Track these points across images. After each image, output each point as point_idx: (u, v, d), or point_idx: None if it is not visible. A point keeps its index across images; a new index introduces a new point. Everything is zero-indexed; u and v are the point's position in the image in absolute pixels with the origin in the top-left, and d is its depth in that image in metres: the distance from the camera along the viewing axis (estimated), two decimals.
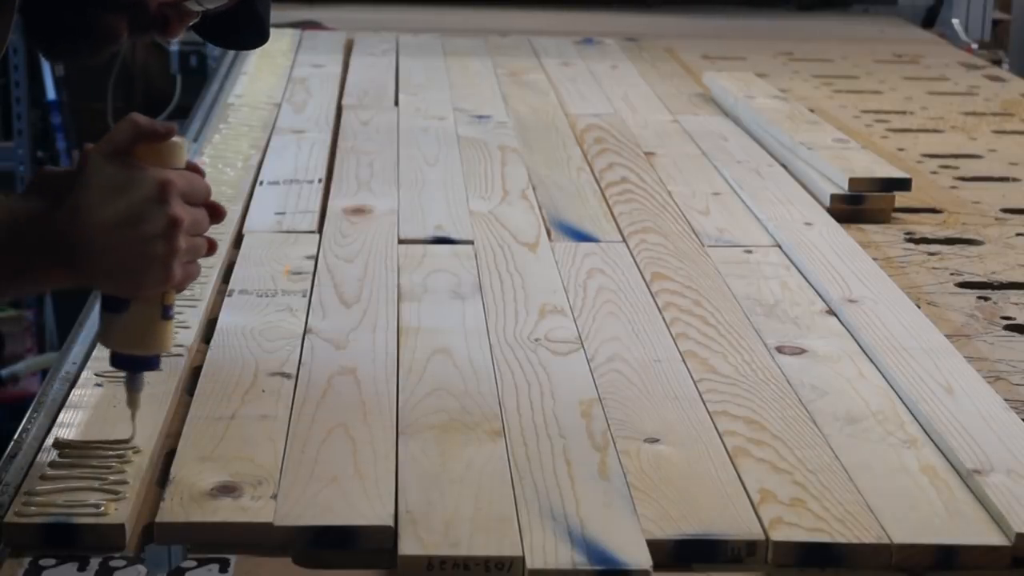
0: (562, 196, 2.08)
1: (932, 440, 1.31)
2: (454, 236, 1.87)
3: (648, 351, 1.51)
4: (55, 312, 4.33)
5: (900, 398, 1.40)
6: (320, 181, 2.11)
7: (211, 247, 1.24)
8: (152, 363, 1.26)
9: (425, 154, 2.29)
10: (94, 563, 1.09)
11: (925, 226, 2.04)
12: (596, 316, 1.60)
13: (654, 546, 1.11)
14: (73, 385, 1.38)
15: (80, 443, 1.24)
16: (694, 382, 1.43)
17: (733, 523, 1.15)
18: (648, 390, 1.41)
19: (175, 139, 1.21)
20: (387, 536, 1.12)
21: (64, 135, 4.50)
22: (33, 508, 1.14)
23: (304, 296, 1.63)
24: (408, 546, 1.10)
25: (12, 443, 1.28)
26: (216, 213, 1.24)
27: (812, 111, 2.57)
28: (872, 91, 3.01)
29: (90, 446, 1.24)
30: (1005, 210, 2.13)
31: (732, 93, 2.66)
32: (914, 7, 4.12)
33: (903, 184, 2.09)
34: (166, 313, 1.24)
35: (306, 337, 1.51)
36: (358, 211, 1.96)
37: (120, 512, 1.13)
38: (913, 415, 1.36)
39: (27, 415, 1.36)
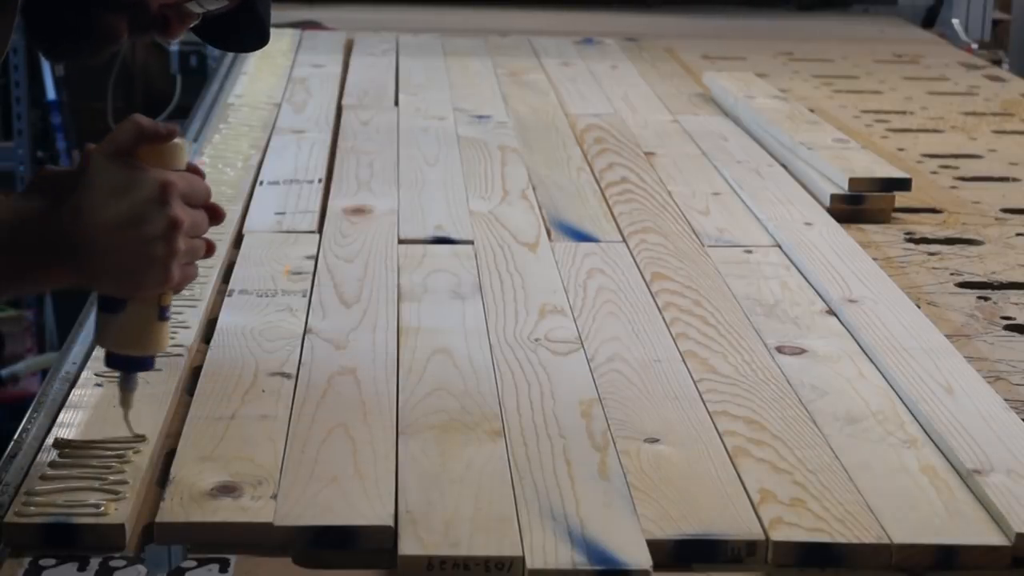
0: (562, 196, 2.08)
1: (932, 440, 1.31)
2: (454, 236, 1.87)
3: (648, 351, 1.51)
4: (55, 312, 4.33)
5: (900, 398, 1.40)
6: (320, 181, 2.11)
7: (209, 249, 1.25)
8: (147, 363, 1.26)
9: (425, 154, 2.29)
10: (94, 563, 1.09)
11: (925, 226, 2.04)
12: (596, 316, 1.60)
13: (654, 546, 1.11)
14: (73, 385, 1.38)
15: (81, 442, 1.24)
16: (694, 382, 1.43)
17: (733, 523, 1.15)
18: (648, 390, 1.41)
19: (176, 140, 1.21)
20: (387, 536, 1.12)
21: (64, 135, 4.50)
22: (33, 508, 1.14)
23: (304, 296, 1.63)
24: (408, 546, 1.10)
25: (12, 443, 1.28)
26: (216, 215, 1.24)
27: (812, 111, 2.57)
28: (872, 91, 3.01)
29: (90, 445, 1.24)
30: (1005, 210, 2.13)
31: (732, 93, 2.66)
32: (914, 7, 4.12)
33: (903, 184, 2.09)
34: (163, 314, 1.24)
35: (306, 337, 1.51)
36: (358, 211, 1.97)
37: (120, 512, 1.13)
38: (913, 415, 1.36)
39: (27, 415, 1.36)
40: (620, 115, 2.61)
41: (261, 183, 2.09)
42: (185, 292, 1.59)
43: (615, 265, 1.78)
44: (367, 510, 1.15)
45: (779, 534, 1.14)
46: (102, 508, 1.13)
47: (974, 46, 3.84)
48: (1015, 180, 2.32)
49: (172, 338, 1.46)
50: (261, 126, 2.44)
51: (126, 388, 1.26)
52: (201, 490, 1.17)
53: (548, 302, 1.64)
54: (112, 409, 1.30)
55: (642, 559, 1.09)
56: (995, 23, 4.10)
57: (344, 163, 2.22)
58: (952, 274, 1.83)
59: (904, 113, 2.79)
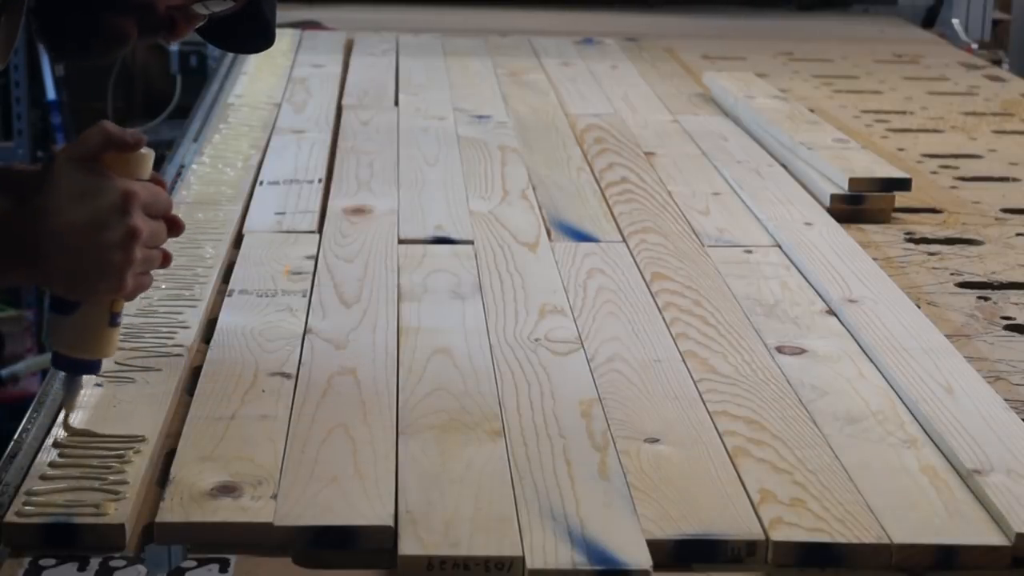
0: (562, 196, 2.08)
1: (932, 440, 1.31)
2: (454, 236, 1.87)
3: (648, 351, 1.51)
4: None
5: (900, 398, 1.40)
6: (320, 181, 2.11)
7: (165, 259, 1.27)
8: (93, 367, 1.28)
9: (425, 154, 2.29)
10: (94, 563, 1.09)
11: (925, 226, 2.04)
12: (596, 316, 1.60)
13: (654, 546, 1.11)
14: None
15: (80, 442, 1.24)
16: (694, 382, 1.43)
17: (733, 523, 1.15)
18: (648, 390, 1.41)
19: (143, 150, 1.23)
20: (387, 536, 1.12)
21: (64, 135, 4.50)
22: (33, 508, 1.14)
23: (304, 296, 1.63)
24: (408, 546, 1.10)
25: (12, 443, 1.29)
26: (175, 227, 1.27)
27: (812, 111, 2.57)
28: (872, 91, 3.01)
29: (90, 445, 1.24)
30: (1005, 210, 2.13)
31: (732, 93, 2.66)
32: (914, 7, 4.12)
33: (903, 184, 2.09)
34: (113, 320, 1.26)
35: (306, 337, 1.51)
36: (358, 211, 1.96)
37: (120, 512, 1.13)
38: (913, 415, 1.36)
39: (27, 415, 1.36)
40: (620, 115, 2.61)
41: (261, 183, 2.09)
42: (185, 292, 1.60)
43: (615, 265, 1.78)
44: (367, 510, 1.15)
45: (779, 534, 1.14)
46: (102, 508, 1.13)
47: (974, 46, 3.84)
48: (1015, 180, 2.32)
49: (172, 338, 1.47)
50: (261, 126, 2.44)
51: (70, 390, 1.28)
52: (201, 490, 1.17)
53: (548, 302, 1.64)
54: (112, 409, 1.30)
55: (642, 559, 1.09)
56: (995, 23, 4.10)
57: (344, 163, 2.22)
58: (952, 274, 1.83)
59: (904, 113, 2.79)
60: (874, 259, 1.81)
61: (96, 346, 1.26)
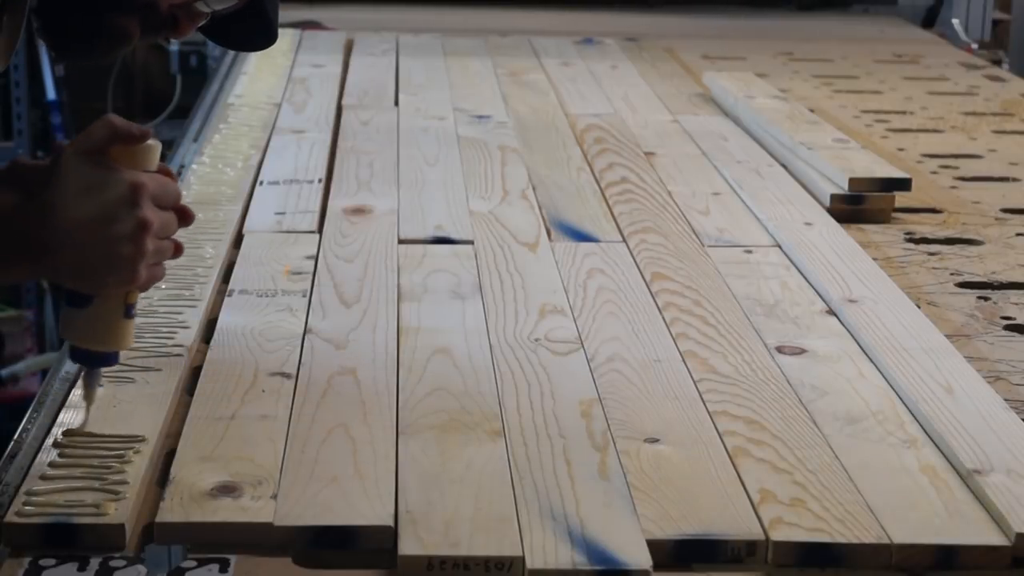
0: (562, 196, 2.08)
1: (932, 440, 1.31)
2: (454, 236, 1.87)
3: (648, 351, 1.51)
4: (55, 312, 4.33)
5: (900, 398, 1.40)
6: (320, 181, 2.11)
7: (177, 250, 1.27)
8: (110, 360, 1.29)
9: (425, 154, 2.29)
10: (94, 563, 1.09)
11: (925, 226, 2.04)
12: (596, 316, 1.60)
13: (654, 546, 1.11)
14: (73, 385, 1.38)
15: (80, 442, 1.24)
16: (694, 382, 1.43)
17: (733, 523, 1.15)
18: (648, 390, 1.41)
19: (150, 142, 1.23)
20: (387, 536, 1.12)
21: (64, 135, 4.50)
22: (33, 508, 1.14)
23: (304, 296, 1.63)
24: (408, 546, 1.10)
25: (12, 443, 1.29)
26: (185, 217, 1.26)
27: (812, 111, 2.57)
28: (872, 91, 3.01)
29: (90, 445, 1.24)
30: (1005, 210, 2.13)
31: (732, 93, 2.66)
32: (914, 7, 4.13)
33: (903, 184, 2.09)
34: (128, 312, 1.26)
35: (306, 337, 1.51)
36: (358, 211, 1.96)
37: (120, 512, 1.13)
38: (913, 415, 1.36)
39: (27, 415, 1.36)
40: (620, 115, 2.61)
41: (261, 183, 2.09)
42: (185, 292, 1.60)
43: (615, 265, 1.78)
44: (367, 510, 1.15)
45: (779, 534, 1.14)
46: (102, 508, 1.13)
47: (974, 46, 3.84)
48: (1015, 180, 2.32)
49: (172, 338, 1.47)
50: (261, 126, 2.44)
51: (89, 384, 1.28)
52: (201, 490, 1.17)
53: (548, 302, 1.64)
54: (112, 409, 1.30)
55: (642, 559, 1.09)
56: (995, 23, 4.10)
57: (344, 163, 2.22)
58: (952, 274, 1.83)
59: (904, 113, 2.79)
60: (874, 259, 1.81)
61: (112, 338, 1.26)
